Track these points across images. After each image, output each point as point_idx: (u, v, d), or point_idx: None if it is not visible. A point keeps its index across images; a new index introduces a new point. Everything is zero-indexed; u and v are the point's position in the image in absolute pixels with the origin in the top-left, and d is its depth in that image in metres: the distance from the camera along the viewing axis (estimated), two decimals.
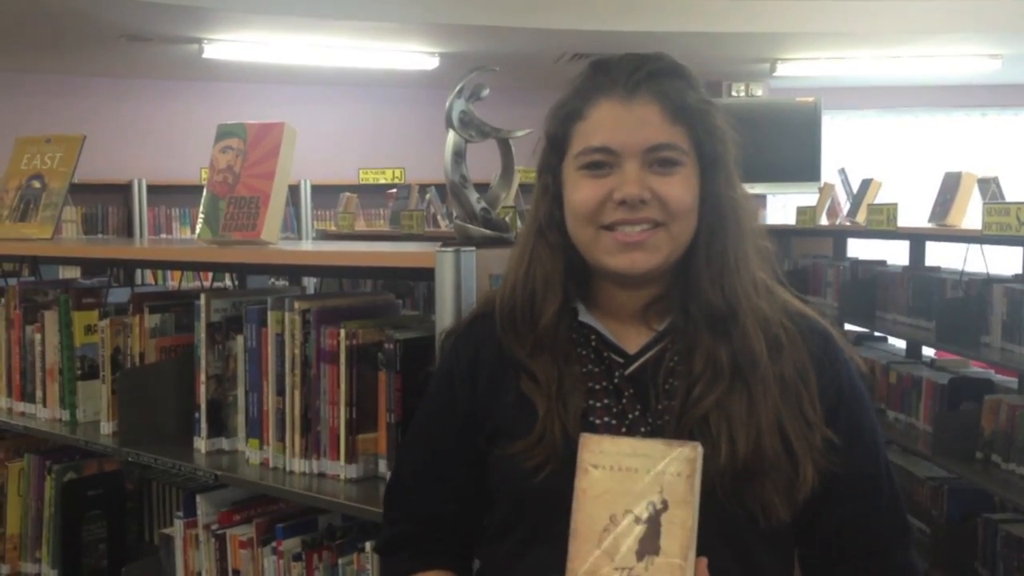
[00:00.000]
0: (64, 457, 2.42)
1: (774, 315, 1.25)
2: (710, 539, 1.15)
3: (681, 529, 1.10)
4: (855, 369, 1.30)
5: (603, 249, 1.24)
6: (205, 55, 6.30)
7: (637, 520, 1.11)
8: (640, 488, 1.11)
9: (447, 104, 1.65)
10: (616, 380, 1.26)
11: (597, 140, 1.23)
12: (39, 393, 2.38)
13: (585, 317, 1.29)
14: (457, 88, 1.66)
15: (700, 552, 1.13)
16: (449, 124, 1.66)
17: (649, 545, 1.10)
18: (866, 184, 4.86)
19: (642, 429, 1.22)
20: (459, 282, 1.50)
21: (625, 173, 1.22)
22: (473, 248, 1.53)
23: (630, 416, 1.23)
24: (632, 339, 1.28)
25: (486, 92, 1.68)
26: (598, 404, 1.24)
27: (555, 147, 1.29)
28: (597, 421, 1.23)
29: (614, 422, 1.24)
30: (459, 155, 1.68)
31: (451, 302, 1.50)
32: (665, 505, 1.11)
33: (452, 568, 1.37)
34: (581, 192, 1.24)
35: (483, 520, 1.36)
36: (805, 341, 1.26)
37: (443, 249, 1.52)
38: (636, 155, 1.22)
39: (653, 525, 1.10)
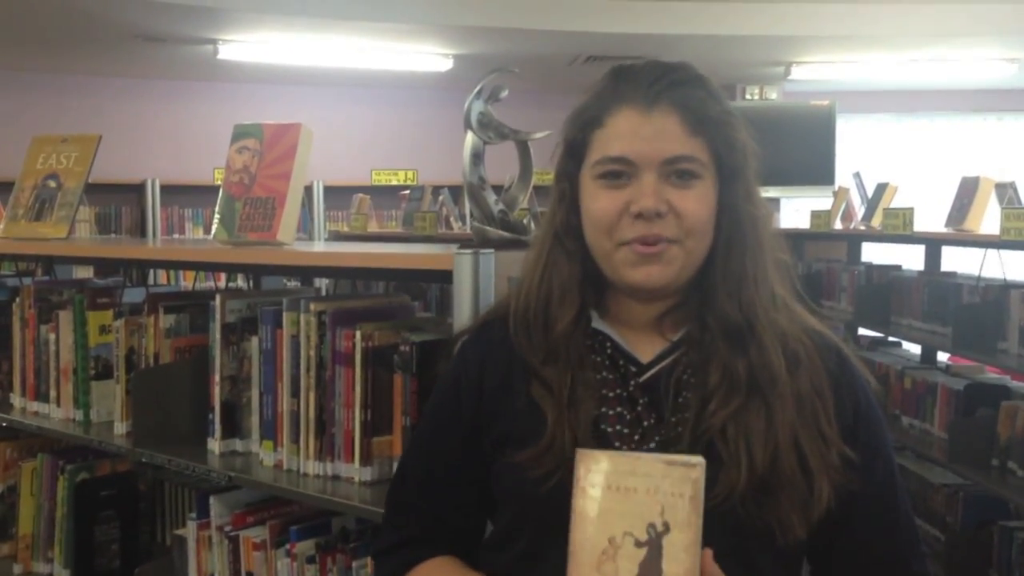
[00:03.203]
0: (77, 457, 2.41)
1: (792, 330, 1.24)
2: (721, 556, 1.12)
3: (685, 553, 1.05)
4: (870, 388, 1.29)
5: (620, 261, 1.23)
6: (219, 56, 6.32)
7: (637, 543, 1.06)
8: (640, 509, 1.07)
9: (466, 105, 1.64)
10: (631, 388, 1.24)
11: (615, 150, 1.22)
12: (53, 393, 2.38)
13: (599, 324, 1.27)
14: (476, 89, 1.65)
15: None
16: (468, 125, 1.65)
17: (651, 569, 1.05)
18: (881, 188, 4.84)
19: (656, 438, 1.20)
20: (477, 284, 1.49)
21: (642, 185, 1.20)
22: (491, 250, 1.52)
23: (644, 424, 1.22)
24: (646, 348, 1.26)
25: (505, 93, 1.67)
26: (611, 412, 1.22)
27: (573, 153, 1.27)
28: (609, 429, 1.22)
29: (627, 431, 1.22)
30: (477, 156, 1.67)
31: (469, 304, 1.49)
32: (667, 527, 1.06)
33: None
34: (599, 203, 1.23)
35: (485, 527, 1.35)
36: (821, 358, 1.25)
37: (461, 251, 1.51)
38: (654, 166, 1.20)
39: (654, 548, 1.06)
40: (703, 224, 1.22)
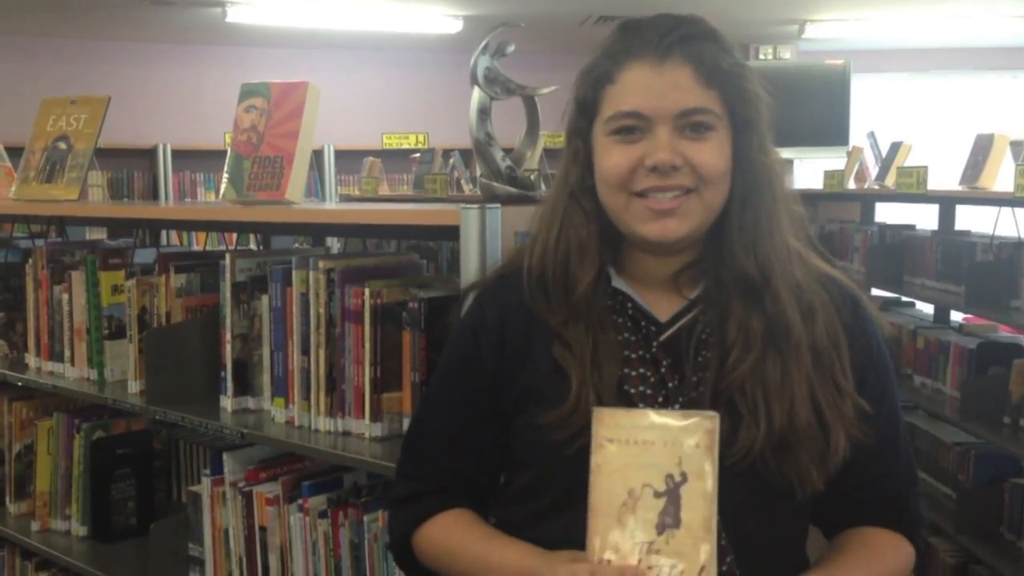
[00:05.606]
0: (93, 416, 2.45)
1: (807, 282, 1.24)
2: (741, 510, 1.14)
3: (702, 500, 1.08)
4: (880, 333, 1.30)
5: (634, 216, 1.22)
6: (228, 19, 6.29)
7: (656, 494, 1.09)
8: (658, 461, 1.10)
9: (472, 61, 1.64)
10: (654, 349, 1.24)
11: (628, 105, 1.21)
12: (67, 352, 2.40)
13: (619, 283, 1.27)
14: (482, 44, 1.64)
15: (728, 522, 1.12)
16: (474, 81, 1.64)
17: (670, 518, 1.09)
18: (895, 147, 4.80)
19: (680, 399, 1.21)
20: (484, 240, 1.49)
21: (656, 139, 1.20)
22: (498, 205, 1.52)
23: (669, 385, 1.22)
24: (663, 306, 1.26)
25: (511, 48, 1.66)
26: (634, 373, 1.22)
27: (585, 111, 1.27)
28: (633, 391, 1.21)
29: (650, 392, 1.22)
30: (484, 113, 1.67)
31: (476, 260, 1.50)
32: (684, 477, 1.09)
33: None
34: (612, 158, 1.22)
35: (500, 478, 1.35)
36: (837, 309, 1.25)
37: (468, 206, 1.51)
38: (668, 120, 1.20)
39: (673, 498, 1.09)
40: (719, 175, 1.21)
